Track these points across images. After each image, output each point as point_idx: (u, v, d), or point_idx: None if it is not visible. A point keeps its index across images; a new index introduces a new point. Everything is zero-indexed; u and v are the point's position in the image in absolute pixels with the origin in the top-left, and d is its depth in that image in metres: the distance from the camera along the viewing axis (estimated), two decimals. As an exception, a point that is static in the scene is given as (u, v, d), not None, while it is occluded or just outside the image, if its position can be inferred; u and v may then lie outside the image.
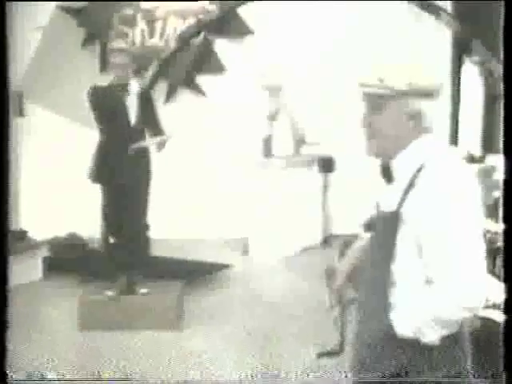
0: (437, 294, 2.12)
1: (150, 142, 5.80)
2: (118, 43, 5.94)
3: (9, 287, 2.76)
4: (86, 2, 8.57)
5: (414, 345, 2.18)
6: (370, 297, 2.32)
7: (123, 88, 5.71)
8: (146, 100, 5.86)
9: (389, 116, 2.23)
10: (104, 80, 5.86)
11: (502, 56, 2.82)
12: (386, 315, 2.22)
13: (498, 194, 4.14)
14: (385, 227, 2.26)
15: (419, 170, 2.17)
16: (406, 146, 2.24)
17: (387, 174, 2.30)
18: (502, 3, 2.90)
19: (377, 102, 2.24)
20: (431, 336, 2.15)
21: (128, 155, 5.60)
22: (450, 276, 2.08)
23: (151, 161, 5.91)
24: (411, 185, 2.17)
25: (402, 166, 2.24)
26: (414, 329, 2.16)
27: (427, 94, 2.21)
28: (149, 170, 5.90)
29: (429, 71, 2.23)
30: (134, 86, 5.79)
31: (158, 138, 5.79)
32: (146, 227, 5.92)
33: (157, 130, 5.83)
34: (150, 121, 5.81)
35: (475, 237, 2.12)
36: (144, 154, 5.83)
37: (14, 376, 3.44)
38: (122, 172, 5.68)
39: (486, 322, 2.50)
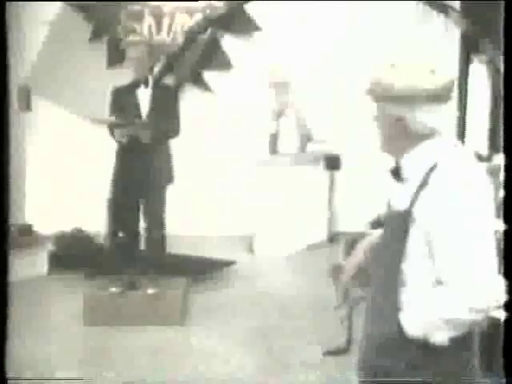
0: (447, 295, 2.10)
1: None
2: (134, 36, 5.92)
3: (10, 282, 2.75)
4: (94, -2, 8.58)
5: (423, 345, 2.16)
6: (379, 296, 2.30)
7: (140, 82, 5.71)
8: (167, 94, 5.87)
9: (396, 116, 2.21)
10: (111, 74, 5.87)
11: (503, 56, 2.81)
12: (396, 315, 2.21)
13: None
14: (396, 226, 2.23)
15: (432, 169, 2.15)
16: (417, 144, 2.22)
17: (396, 173, 2.28)
18: (502, 3, 2.88)
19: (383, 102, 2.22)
20: (441, 337, 2.13)
21: (141, 149, 5.60)
22: (461, 277, 2.07)
23: (172, 157, 5.92)
24: (423, 184, 2.15)
25: (414, 165, 2.22)
26: (423, 329, 2.14)
27: (438, 96, 2.18)
28: (170, 167, 5.90)
29: (439, 73, 2.20)
30: (151, 80, 5.80)
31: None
32: (162, 225, 5.92)
33: (173, 127, 5.79)
34: (168, 116, 5.77)
35: (487, 238, 2.10)
36: (166, 150, 5.84)
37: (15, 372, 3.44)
38: (137, 168, 5.67)
39: (494, 321, 2.48)
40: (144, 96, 5.72)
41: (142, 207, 5.85)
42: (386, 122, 2.24)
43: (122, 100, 5.73)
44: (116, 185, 5.85)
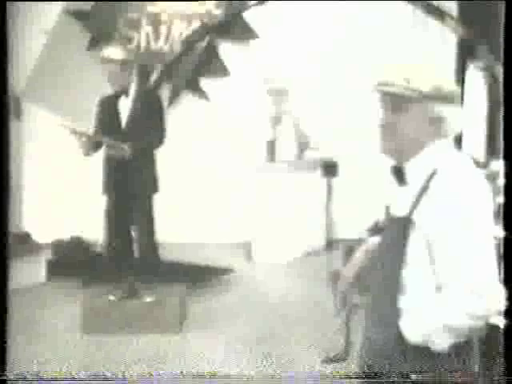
0: (448, 301, 2.10)
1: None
2: (107, 51, 5.87)
3: (9, 290, 2.75)
4: (92, 5, 8.58)
5: (424, 351, 2.16)
6: (379, 302, 2.30)
7: (121, 94, 5.73)
8: (152, 103, 5.87)
9: (411, 118, 2.21)
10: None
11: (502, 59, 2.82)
12: (396, 321, 2.21)
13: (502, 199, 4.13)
14: (396, 232, 2.23)
15: (432, 175, 2.16)
16: (421, 149, 2.23)
17: (399, 176, 2.28)
18: (503, 4, 2.89)
19: (400, 103, 2.21)
20: (441, 343, 2.13)
21: (123, 161, 5.60)
22: (461, 283, 2.07)
23: (156, 166, 5.92)
24: (424, 189, 2.15)
25: (415, 170, 2.23)
26: (423, 336, 2.15)
27: (450, 98, 2.20)
28: (154, 176, 5.90)
29: (450, 76, 2.22)
30: (134, 90, 5.80)
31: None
32: (152, 233, 5.93)
33: (156, 137, 5.80)
34: (151, 125, 5.77)
35: (488, 244, 2.10)
36: (150, 159, 5.84)
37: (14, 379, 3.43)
38: (123, 178, 5.68)
39: (494, 328, 2.48)
40: (125, 107, 5.74)
41: (131, 217, 5.85)
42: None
43: (105, 111, 5.78)
44: (108, 195, 5.87)
